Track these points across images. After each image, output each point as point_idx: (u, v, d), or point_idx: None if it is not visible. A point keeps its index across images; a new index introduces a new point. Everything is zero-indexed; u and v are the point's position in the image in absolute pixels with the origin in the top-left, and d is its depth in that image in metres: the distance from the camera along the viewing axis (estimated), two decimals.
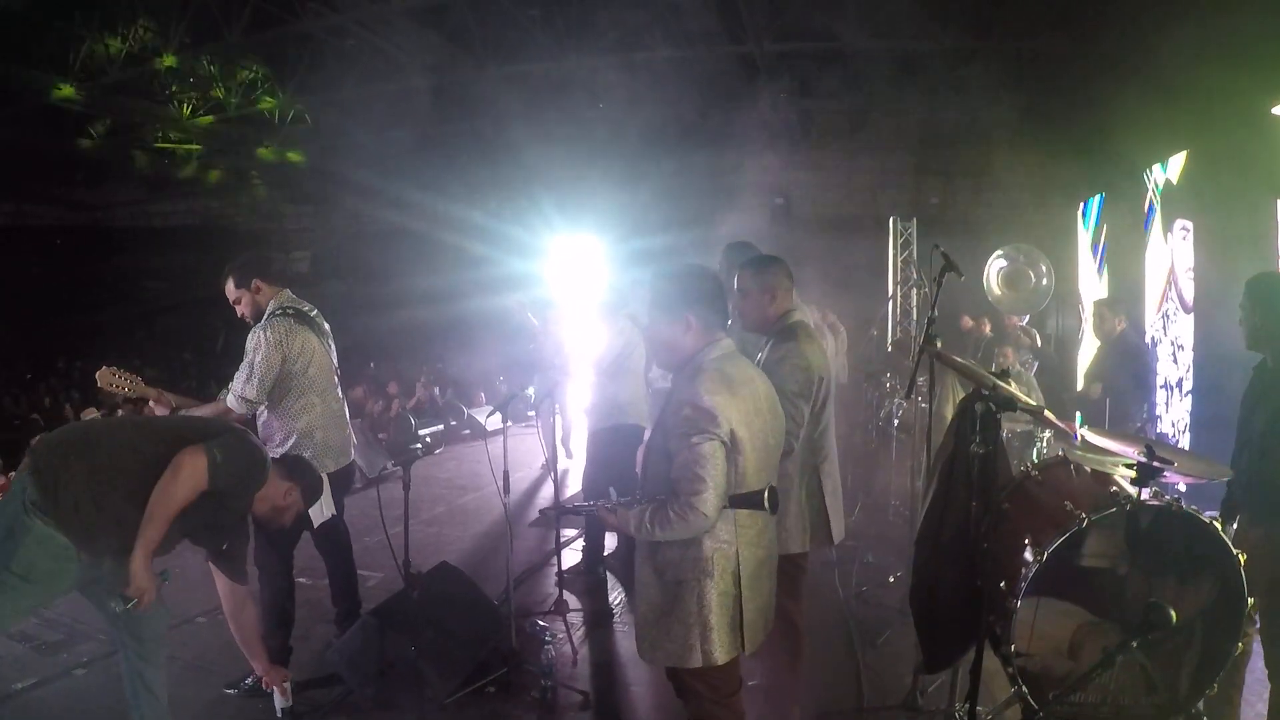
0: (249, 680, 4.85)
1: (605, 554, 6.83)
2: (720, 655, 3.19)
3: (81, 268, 24.54)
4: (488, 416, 9.46)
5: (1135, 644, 3.08)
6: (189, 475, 3.50)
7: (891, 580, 6.32)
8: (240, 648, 4.37)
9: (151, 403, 4.94)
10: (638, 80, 14.57)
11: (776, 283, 4.25)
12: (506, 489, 5.61)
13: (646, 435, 5.01)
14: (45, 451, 3.61)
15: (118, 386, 4.93)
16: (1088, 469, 3.99)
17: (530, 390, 7.44)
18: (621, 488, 3.40)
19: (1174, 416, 7.80)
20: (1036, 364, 8.77)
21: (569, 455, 10.42)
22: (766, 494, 3.04)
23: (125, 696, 3.88)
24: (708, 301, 3.25)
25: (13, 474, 8.32)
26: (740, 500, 3.10)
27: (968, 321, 10.54)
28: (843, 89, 12.77)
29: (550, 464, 9.14)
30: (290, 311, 4.99)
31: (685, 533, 3.06)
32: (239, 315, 5.12)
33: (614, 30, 13.35)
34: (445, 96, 16.07)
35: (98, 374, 4.93)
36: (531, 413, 10.95)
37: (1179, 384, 7.75)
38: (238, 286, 5.05)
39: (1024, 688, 3.45)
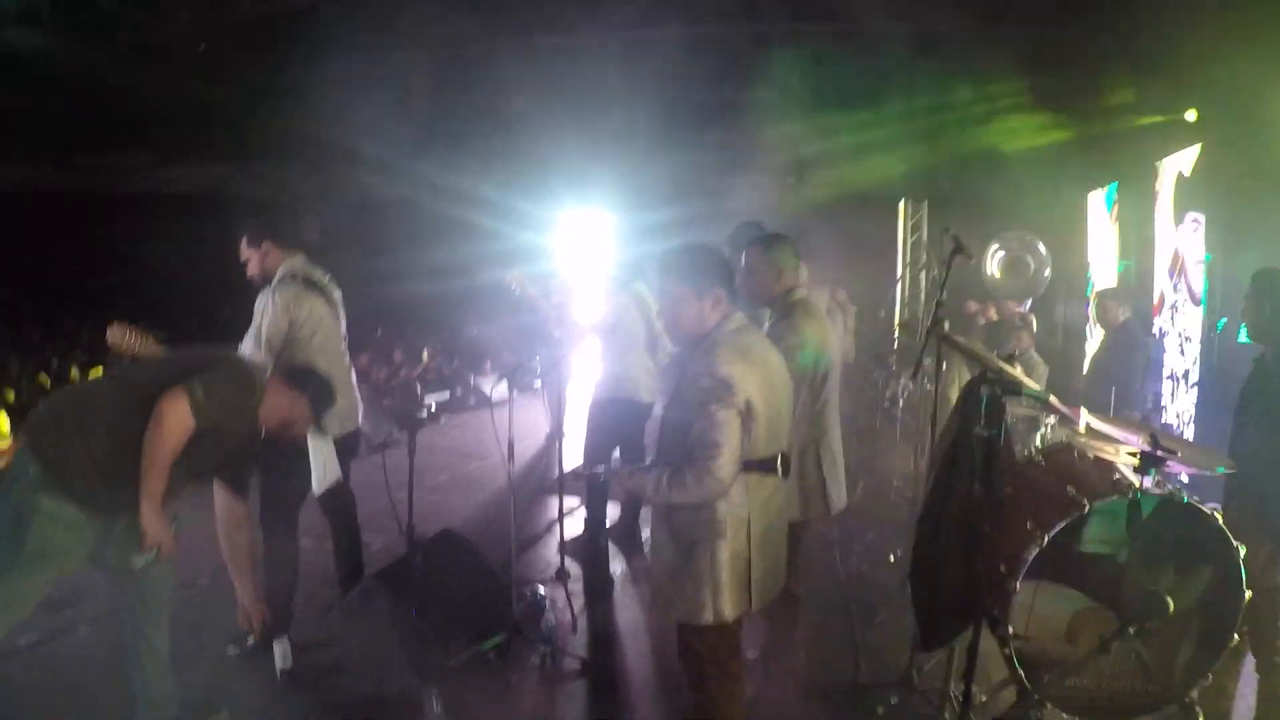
0: (251, 641, 4.89)
1: (607, 525, 6.87)
2: (730, 611, 3.31)
3: (88, 233, 24.49)
4: (494, 385, 9.51)
5: (1132, 631, 3.12)
6: (172, 422, 3.44)
7: (891, 559, 6.35)
8: (230, 570, 4.35)
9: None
10: (649, 55, 14.49)
11: (782, 261, 4.32)
12: (511, 457, 5.63)
13: (658, 409, 5.08)
14: (39, 425, 3.58)
15: (128, 345, 4.93)
16: (1091, 455, 4.02)
17: (536, 360, 7.47)
18: (625, 456, 3.50)
19: (1179, 407, 7.81)
20: (1031, 349, 8.83)
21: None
22: (780, 460, 3.23)
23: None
24: (726, 278, 3.36)
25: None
26: (755, 465, 3.25)
27: (973, 306, 10.55)
28: (857, 69, 12.70)
29: (555, 434, 9.15)
30: (300, 277, 4.99)
31: (701, 497, 3.17)
32: (248, 276, 5.13)
33: (626, 5, 13.29)
34: (454, 68, 16.00)
35: (109, 330, 4.90)
36: (537, 383, 10.98)
37: (1185, 375, 7.76)
38: (249, 245, 5.06)
39: (1020, 670, 3.48)
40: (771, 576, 3.49)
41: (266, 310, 4.83)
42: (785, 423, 3.47)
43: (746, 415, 3.17)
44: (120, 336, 4.86)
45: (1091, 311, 8.49)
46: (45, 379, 12.25)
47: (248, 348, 4.84)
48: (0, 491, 3.51)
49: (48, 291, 22.04)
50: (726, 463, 3.10)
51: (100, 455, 3.47)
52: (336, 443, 4.99)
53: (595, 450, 6.54)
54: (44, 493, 3.40)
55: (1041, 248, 9.86)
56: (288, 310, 4.84)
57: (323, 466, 4.91)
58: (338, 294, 5.27)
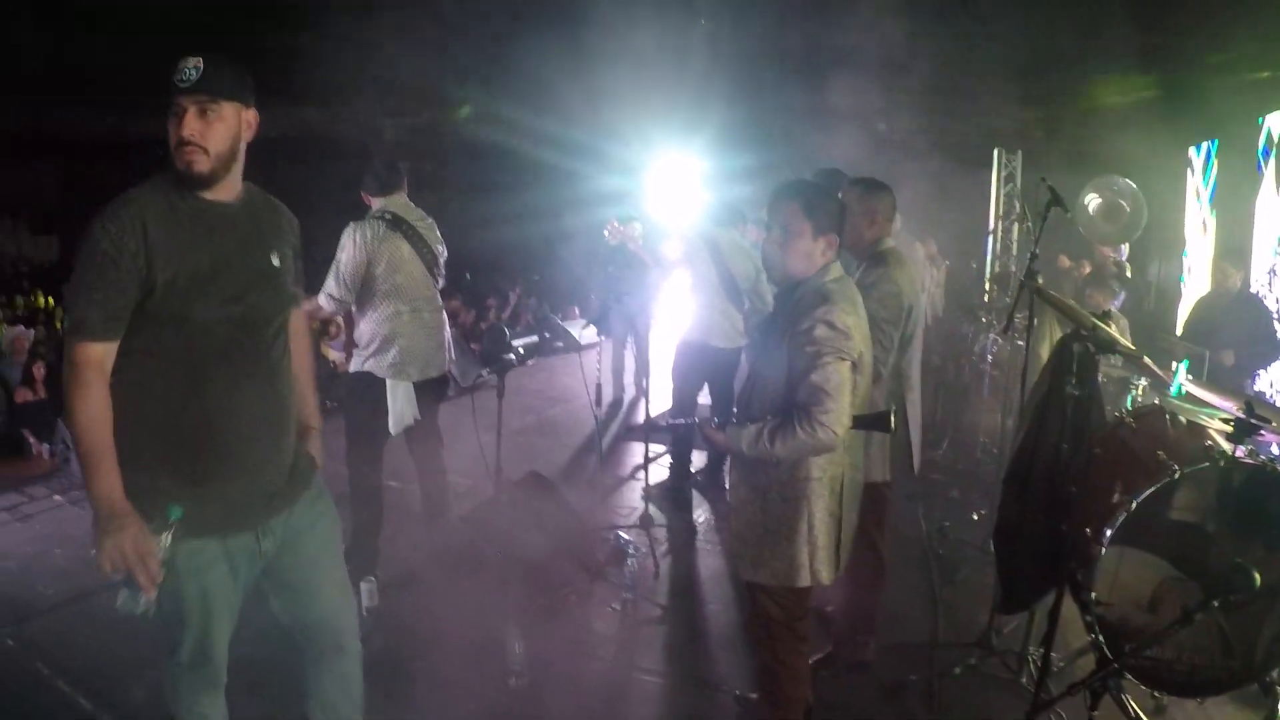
0: None
1: (692, 471, 6.91)
2: (826, 574, 3.26)
3: None
4: (581, 329, 9.55)
5: (1216, 604, 3.06)
6: (69, 379, 2.52)
7: (975, 518, 6.31)
8: None
9: None
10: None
11: (880, 208, 4.16)
12: (598, 401, 5.68)
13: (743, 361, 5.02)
14: None
15: None
16: (1183, 420, 3.93)
17: (622, 303, 7.49)
18: (714, 402, 3.40)
19: (1273, 376, 7.51)
20: (1123, 294, 8.56)
21: (641, 388, 9.18)
22: (891, 415, 3.13)
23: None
24: (841, 226, 3.26)
25: None
26: (866, 421, 3.16)
27: (1065, 261, 10.31)
28: (950, 13, 12.39)
29: (640, 378, 9.11)
30: (387, 217, 5.03)
31: (811, 451, 3.08)
32: None
33: None
34: (542, 11, 15.97)
35: None
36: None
37: None
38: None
39: (1100, 637, 3.45)
40: (852, 538, 3.43)
41: (345, 245, 4.91)
42: (870, 380, 3.42)
43: (856, 369, 3.10)
44: None
45: (1192, 273, 8.17)
46: None
47: (329, 281, 4.94)
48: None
49: None
50: (843, 416, 3.01)
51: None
52: (417, 386, 5.15)
53: (682, 396, 6.58)
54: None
55: (1135, 189, 9.53)
56: (365, 247, 4.89)
57: (400, 409, 5.06)
58: (438, 242, 5.30)
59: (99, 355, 2.52)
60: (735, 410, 3.50)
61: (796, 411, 3.03)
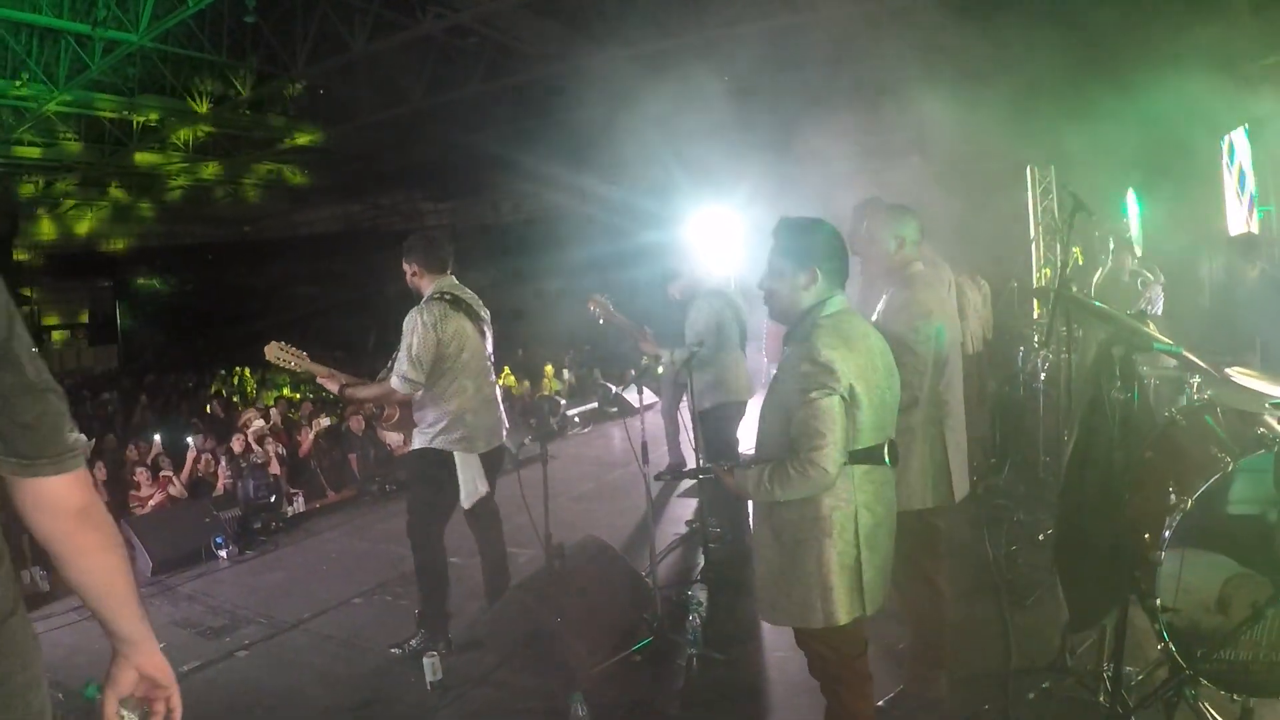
0: (412, 642, 5.20)
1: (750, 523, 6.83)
2: (841, 615, 3.17)
3: (234, 279, 25.78)
4: (623, 389, 9.54)
5: None
6: None
7: (1041, 538, 6.14)
8: None
9: (319, 379, 5.29)
10: (764, 48, 14.41)
11: (905, 231, 4.16)
12: (646, 459, 5.68)
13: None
14: None
15: (284, 361, 5.24)
16: (1235, 411, 3.80)
17: (660, 368, 7.48)
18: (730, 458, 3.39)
19: None
20: (1157, 296, 8.40)
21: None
22: (886, 447, 3.06)
23: (284, 678, 3.98)
24: (833, 256, 3.24)
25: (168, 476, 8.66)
26: (860, 456, 3.10)
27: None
28: (975, 36, 12.35)
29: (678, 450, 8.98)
30: (447, 297, 5.19)
31: (806, 490, 3.05)
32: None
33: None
34: (573, 82, 16.25)
35: (266, 348, 5.25)
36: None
37: None
38: (405, 262, 5.33)
39: (1171, 644, 3.31)
40: (883, 575, 3.32)
41: (415, 329, 5.03)
42: (891, 411, 3.34)
43: (850, 402, 3.04)
44: (276, 355, 5.25)
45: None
46: None
47: (401, 364, 5.04)
48: None
49: (199, 339, 23.23)
50: (832, 452, 2.96)
51: None
52: (482, 458, 5.27)
53: (712, 458, 6.53)
54: None
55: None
56: (434, 328, 5.03)
57: (472, 482, 5.17)
58: (486, 314, 5.46)
59: None
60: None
61: (790, 451, 3.03)
